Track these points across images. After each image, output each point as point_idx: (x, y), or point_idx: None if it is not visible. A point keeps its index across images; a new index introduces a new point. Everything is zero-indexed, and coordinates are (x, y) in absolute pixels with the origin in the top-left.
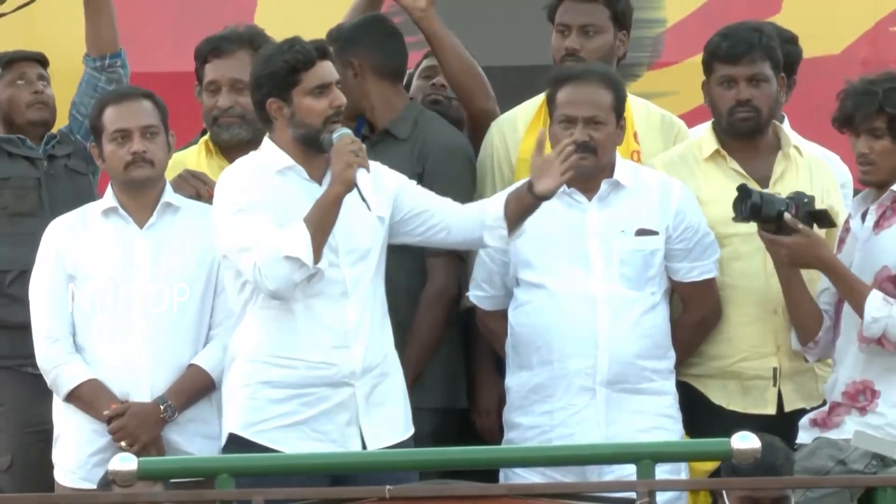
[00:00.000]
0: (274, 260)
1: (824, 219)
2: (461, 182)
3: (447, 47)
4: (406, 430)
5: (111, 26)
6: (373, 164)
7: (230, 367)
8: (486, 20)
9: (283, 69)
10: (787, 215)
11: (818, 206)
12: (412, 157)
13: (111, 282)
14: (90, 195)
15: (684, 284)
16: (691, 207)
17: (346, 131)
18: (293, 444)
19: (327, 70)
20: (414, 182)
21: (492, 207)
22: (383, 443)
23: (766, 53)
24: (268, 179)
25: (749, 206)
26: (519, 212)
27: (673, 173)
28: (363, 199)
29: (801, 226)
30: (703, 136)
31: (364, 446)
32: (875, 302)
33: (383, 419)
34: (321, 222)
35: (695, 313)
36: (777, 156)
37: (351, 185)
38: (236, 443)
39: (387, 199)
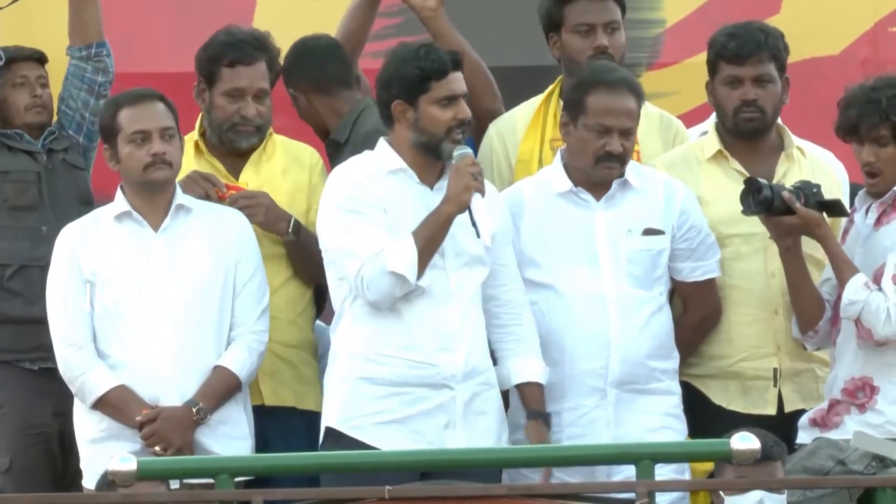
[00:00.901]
0: (379, 273)
1: (834, 208)
2: None
3: (455, 47)
4: (498, 442)
5: (96, 15)
6: (490, 187)
7: (332, 364)
8: (485, 20)
9: (415, 75)
10: (785, 193)
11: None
12: (349, 156)
13: (130, 286)
14: (86, 190)
15: (687, 284)
16: (694, 208)
17: (467, 150)
18: (390, 441)
19: (457, 82)
20: (510, 237)
21: (521, 371)
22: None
23: (772, 54)
24: (380, 180)
25: (759, 199)
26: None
27: (674, 174)
28: (474, 224)
29: (797, 205)
30: (706, 136)
31: None
32: (855, 285)
33: (480, 428)
34: (430, 241)
35: (696, 313)
36: (780, 156)
37: (465, 207)
38: (332, 437)
39: (493, 224)
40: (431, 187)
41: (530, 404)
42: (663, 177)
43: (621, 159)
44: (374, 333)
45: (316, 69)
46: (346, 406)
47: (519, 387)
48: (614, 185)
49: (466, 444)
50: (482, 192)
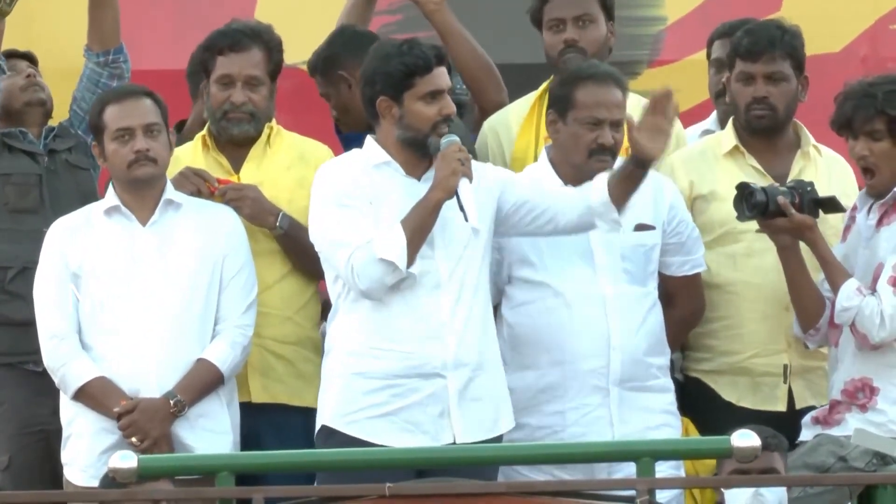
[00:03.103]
0: (368, 261)
1: (829, 205)
2: None
3: (461, 41)
4: (495, 427)
5: (115, 20)
6: (477, 164)
7: (326, 359)
8: (484, 17)
9: (399, 71)
10: (780, 199)
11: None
12: None
13: (116, 280)
14: (91, 190)
15: (676, 279)
16: (681, 202)
17: (455, 138)
18: (386, 435)
19: (442, 77)
20: (517, 175)
21: (596, 192)
22: (472, 438)
23: (786, 52)
24: (367, 173)
25: (752, 204)
26: (626, 191)
27: (691, 168)
28: (461, 209)
29: (791, 211)
30: (724, 131)
31: (454, 440)
32: (848, 291)
33: (476, 414)
34: (419, 227)
35: (683, 308)
36: (796, 154)
37: (452, 192)
38: (328, 434)
39: (488, 205)
40: (419, 179)
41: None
42: (651, 173)
43: (613, 152)
44: (365, 327)
45: None
46: (340, 402)
47: (610, 194)
48: None
49: (462, 431)
50: (469, 177)
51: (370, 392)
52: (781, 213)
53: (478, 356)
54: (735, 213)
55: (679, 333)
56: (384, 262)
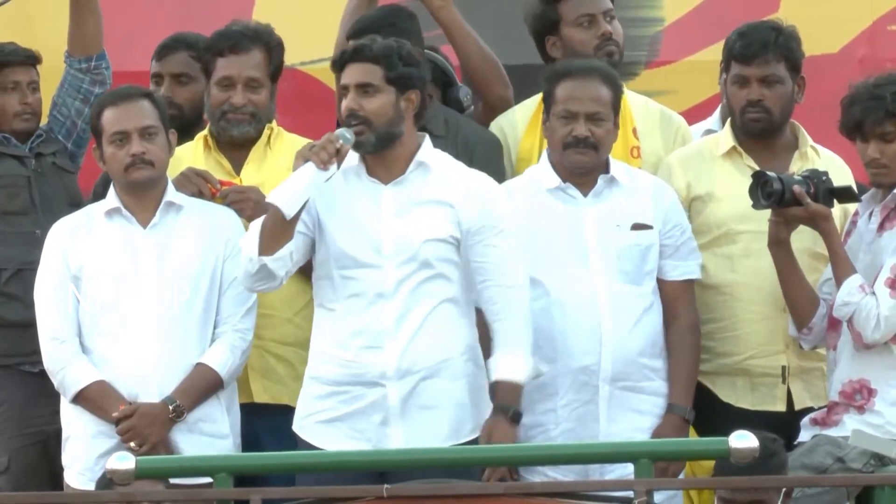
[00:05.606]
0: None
1: (845, 194)
2: (502, 174)
3: (466, 37)
4: (454, 435)
5: (97, 26)
6: (468, 192)
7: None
8: (485, 19)
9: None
10: (795, 188)
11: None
12: (455, 153)
13: (116, 282)
14: (76, 193)
15: (672, 285)
16: (681, 211)
17: (339, 131)
18: (333, 441)
19: (349, 73)
20: (496, 232)
21: (496, 368)
22: (419, 446)
23: (781, 54)
24: (340, 179)
25: (768, 192)
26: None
27: (688, 168)
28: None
29: (807, 200)
30: (721, 132)
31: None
32: (850, 286)
33: (425, 422)
34: (270, 214)
35: (686, 316)
36: (794, 155)
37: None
38: (295, 439)
39: (467, 215)
40: (386, 183)
41: (494, 398)
42: (651, 177)
43: (591, 145)
44: (320, 333)
45: (420, 35)
46: (300, 407)
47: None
48: (600, 181)
49: (406, 440)
50: (316, 163)
51: (321, 397)
52: (797, 202)
53: (432, 365)
54: (732, 214)
55: (695, 347)
56: (241, 249)
